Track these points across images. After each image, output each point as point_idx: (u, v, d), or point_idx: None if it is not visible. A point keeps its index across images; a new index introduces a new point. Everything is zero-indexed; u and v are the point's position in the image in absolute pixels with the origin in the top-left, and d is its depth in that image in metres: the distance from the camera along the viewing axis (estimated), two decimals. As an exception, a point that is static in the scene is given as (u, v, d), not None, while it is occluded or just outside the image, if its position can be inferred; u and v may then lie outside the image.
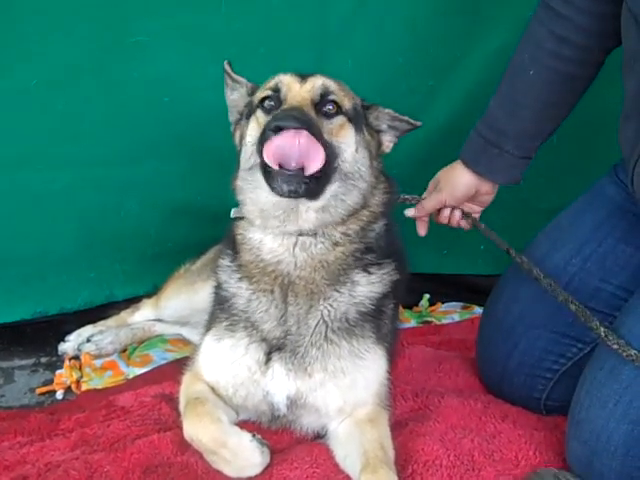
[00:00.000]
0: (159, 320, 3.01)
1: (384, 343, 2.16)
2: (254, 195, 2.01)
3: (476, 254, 3.37)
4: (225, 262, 2.17)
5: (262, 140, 1.83)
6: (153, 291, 3.05)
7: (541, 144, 2.43)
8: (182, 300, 2.88)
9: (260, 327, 2.06)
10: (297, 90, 1.95)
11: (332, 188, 1.95)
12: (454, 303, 3.42)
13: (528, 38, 2.32)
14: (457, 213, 2.51)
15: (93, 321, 3.00)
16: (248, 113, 2.07)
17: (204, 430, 1.98)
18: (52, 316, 2.97)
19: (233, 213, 2.12)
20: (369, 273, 2.09)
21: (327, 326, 2.04)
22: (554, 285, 2.20)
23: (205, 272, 2.81)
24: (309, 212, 1.95)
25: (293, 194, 1.84)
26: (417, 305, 3.35)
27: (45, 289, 2.92)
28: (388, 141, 2.19)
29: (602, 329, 1.99)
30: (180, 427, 2.09)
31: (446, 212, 2.51)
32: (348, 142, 2.00)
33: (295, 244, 1.99)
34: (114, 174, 2.83)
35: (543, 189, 3.21)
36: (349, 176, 1.98)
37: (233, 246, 2.13)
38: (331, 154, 1.90)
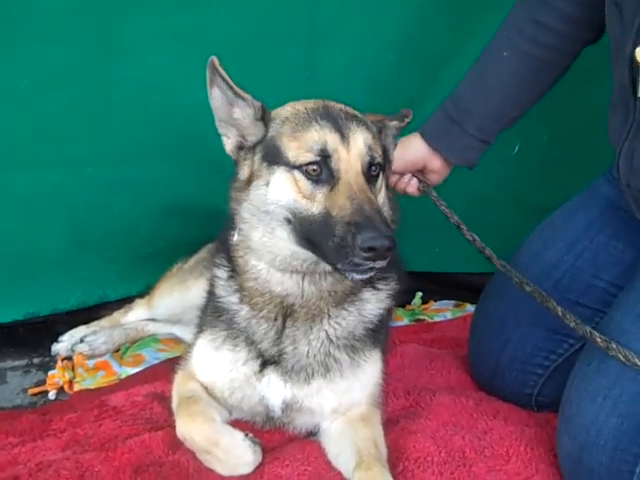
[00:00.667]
0: (152, 320, 3.01)
1: (380, 345, 2.17)
2: (267, 239, 1.93)
3: (468, 252, 3.33)
4: (222, 275, 2.11)
5: (339, 250, 1.72)
6: (146, 291, 3.05)
7: (502, 130, 2.44)
8: (175, 298, 2.88)
9: (257, 345, 2.05)
10: (346, 158, 1.84)
11: None
12: (446, 301, 3.43)
13: (508, 21, 2.35)
14: (414, 181, 2.48)
15: (86, 321, 3.00)
16: (267, 156, 1.92)
17: (197, 429, 1.99)
18: (45, 317, 2.96)
19: (235, 238, 2.03)
20: (377, 289, 2.09)
21: (332, 343, 2.03)
22: (508, 267, 2.25)
23: (197, 270, 2.81)
24: None
25: None
26: (409, 303, 3.36)
27: (37, 290, 2.91)
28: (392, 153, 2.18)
29: (559, 309, 2.06)
30: (172, 426, 2.09)
31: (405, 178, 2.49)
32: (384, 198, 1.98)
33: (303, 278, 1.97)
34: (105, 174, 2.82)
35: (537, 187, 3.23)
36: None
37: (229, 258, 2.07)
38: None
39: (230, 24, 2.73)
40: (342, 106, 1.97)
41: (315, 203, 1.81)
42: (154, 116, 2.78)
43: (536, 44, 2.28)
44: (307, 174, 1.83)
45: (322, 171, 1.83)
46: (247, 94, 1.95)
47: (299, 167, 1.84)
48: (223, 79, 1.91)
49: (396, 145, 2.20)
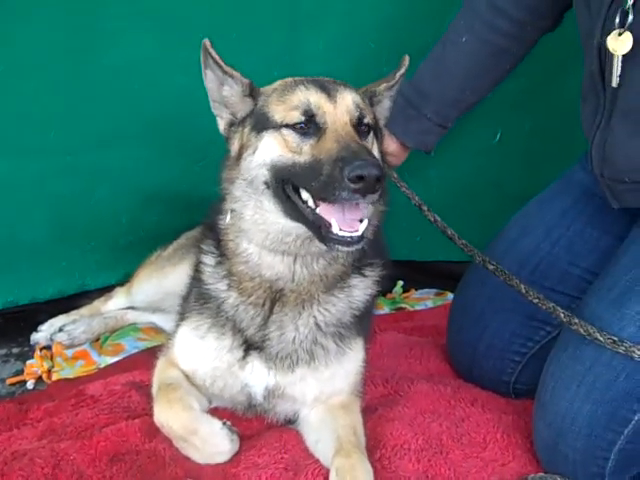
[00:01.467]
0: (132, 308, 3.00)
1: (363, 333, 2.17)
2: (259, 216, 1.93)
3: (449, 241, 3.38)
4: (209, 261, 2.10)
5: (325, 187, 1.69)
6: (126, 280, 3.03)
7: (459, 115, 2.45)
8: (153, 285, 2.86)
9: (244, 332, 2.04)
10: (333, 112, 1.85)
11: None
12: (428, 290, 3.44)
13: (468, 6, 2.36)
14: None
15: (66, 311, 2.98)
16: (256, 125, 1.94)
17: (175, 416, 1.98)
18: (24, 306, 2.94)
19: (226, 220, 2.01)
20: (364, 276, 2.08)
21: (320, 330, 2.03)
22: (470, 246, 2.26)
23: (176, 257, 2.80)
24: None
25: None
26: (390, 292, 3.35)
27: (16, 279, 2.88)
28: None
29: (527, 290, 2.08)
30: (149, 414, 2.09)
31: None
32: (377, 156, 1.95)
33: (295, 260, 1.95)
34: (84, 162, 2.80)
35: (518, 176, 3.23)
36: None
37: (217, 245, 2.07)
38: None
39: (211, 10, 2.72)
40: (331, 79, 2.00)
41: (302, 154, 1.82)
42: (135, 104, 2.76)
43: (494, 30, 2.29)
44: (294, 129, 1.85)
45: (309, 127, 1.84)
46: (236, 72, 1.98)
47: (286, 125, 1.86)
48: (214, 59, 1.95)
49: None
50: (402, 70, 2.15)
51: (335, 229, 1.73)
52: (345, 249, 1.78)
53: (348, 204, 1.72)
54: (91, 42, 2.63)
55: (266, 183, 1.88)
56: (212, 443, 1.98)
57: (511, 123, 3.15)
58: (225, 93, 2.00)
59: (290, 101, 1.88)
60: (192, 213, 2.58)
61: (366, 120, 1.91)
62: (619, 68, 1.92)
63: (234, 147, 2.00)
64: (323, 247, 1.86)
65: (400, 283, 3.37)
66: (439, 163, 3.17)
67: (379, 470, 1.96)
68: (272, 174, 1.86)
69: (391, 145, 2.43)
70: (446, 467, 2.00)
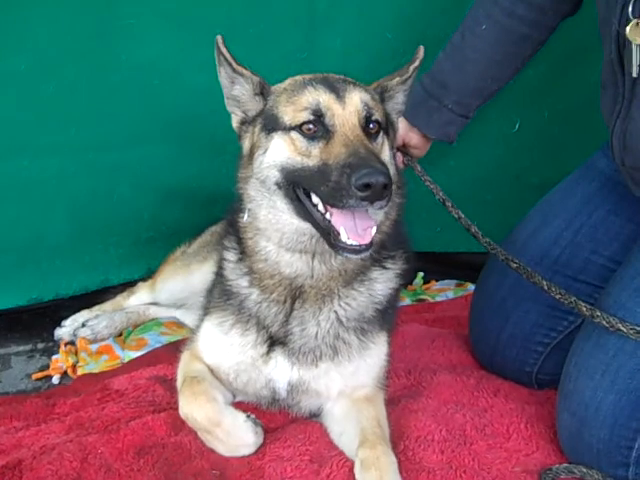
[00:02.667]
0: (154, 304, 3.02)
1: (387, 327, 2.16)
2: (272, 216, 1.94)
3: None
4: (231, 257, 2.11)
5: (334, 194, 1.70)
6: (148, 275, 3.06)
7: (481, 105, 2.42)
8: (178, 282, 2.88)
9: (268, 329, 2.05)
10: (341, 114, 1.84)
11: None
12: (448, 281, 3.44)
13: None
14: (398, 155, 2.38)
15: (89, 306, 3.01)
16: (266, 125, 1.94)
17: (199, 409, 1.99)
18: (48, 302, 2.97)
19: (245, 219, 2.02)
20: (385, 268, 2.07)
21: (342, 325, 2.03)
22: (493, 244, 2.24)
23: (201, 254, 2.82)
24: None
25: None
26: (411, 284, 3.35)
27: (40, 275, 2.92)
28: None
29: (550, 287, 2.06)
30: (174, 408, 2.11)
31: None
32: (389, 158, 1.95)
33: (313, 258, 1.95)
34: (106, 159, 2.82)
35: (538, 165, 3.22)
36: (393, 192, 1.82)
37: (239, 241, 2.08)
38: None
39: (229, 8, 2.72)
40: (341, 76, 1.98)
41: (311, 158, 1.82)
42: (155, 100, 2.78)
43: (513, 16, 2.26)
44: (302, 133, 1.85)
45: (317, 129, 1.84)
46: (246, 70, 1.97)
47: (294, 128, 1.86)
48: (224, 56, 1.94)
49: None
50: (416, 63, 2.11)
51: (344, 237, 1.74)
52: (353, 257, 1.80)
53: (358, 210, 1.73)
54: (111, 40, 2.65)
55: (277, 184, 1.88)
56: (236, 435, 2.00)
57: (530, 112, 3.14)
58: (235, 92, 2.00)
59: (299, 102, 1.88)
60: (213, 208, 2.59)
61: (375, 118, 1.89)
62: (639, 58, 1.90)
63: (246, 145, 2.02)
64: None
65: (421, 274, 3.38)
66: (459, 153, 3.15)
67: (403, 461, 1.96)
68: (282, 175, 1.87)
69: (414, 138, 2.42)
70: (470, 458, 2.00)
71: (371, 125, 1.88)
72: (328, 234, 1.78)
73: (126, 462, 1.96)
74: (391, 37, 2.91)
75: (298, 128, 1.85)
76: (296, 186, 1.85)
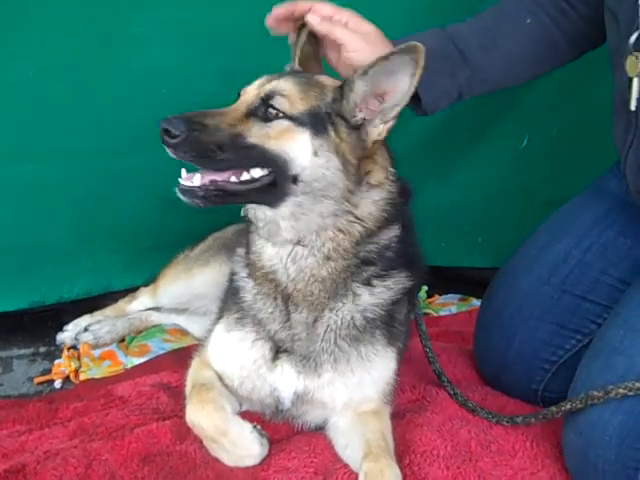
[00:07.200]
0: (156, 309, 3.02)
1: (396, 344, 2.14)
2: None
3: (474, 246, 3.38)
4: (240, 252, 2.16)
5: None
6: (151, 280, 3.05)
7: (479, 95, 2.32)
8: (180, 286, 2.88)
9: (266, 326, 2.05)
10: (244, 96, 1.93)
11: (295, 195, 1.87)
12: (452, 295, 3.43)
13: None
14: None
15: (91, 311, 3.00)
16: None
17: (207, 417, 1.98)
18: (50, 306, 2.97)
19: (243, 212, 2.07)
20: (372, 286, 2.03)
21: (335, 333, 2.02)
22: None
23: (203, 258, 2.82)
24: (284, 221, 1.90)
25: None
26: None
27: (43, 279, 2.91)
28: (374, 126, 1.92)
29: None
30: (179, 416, 2.10)
31: None
32: (297, 147, 1.87)
33: (289, 255, 1.96)
34: (111, 165, 2.82)
35: (546, 181, 3.23)
36: (314, 184, 1.85)
37: (247, 241, 2.11)
38: (270, 159, 1.84)
39: (239, 16, 2.71)
40: (305, 73, 2.06)
41: None
42: (162, 108, 2.73)
43: (556, 24, 2.25)
44: None
45: None
46: None
47: None
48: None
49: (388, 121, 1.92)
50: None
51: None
52: (182, 198, 1.89)
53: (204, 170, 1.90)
54: (119, 48, 2.65)
55: None
56: (242, 446, 1.98)
57: (539, 128, 3.15)
58: None
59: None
60: (217, 215, 2.58)
61: (272, 102, 1.86)
62: (637, 91, 1.91)
63: None
64: (287, 236, 1.92)
65: (424, 288, 3.36)
66: (466, 168, 3.17)
67: (408, 476, 1.95)
68: None
69: None
70: (475, 475, 1.98)
71: (266, 109, 1.87)
72: None
73: (130, 470, 1.94)
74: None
75: None
76: None
